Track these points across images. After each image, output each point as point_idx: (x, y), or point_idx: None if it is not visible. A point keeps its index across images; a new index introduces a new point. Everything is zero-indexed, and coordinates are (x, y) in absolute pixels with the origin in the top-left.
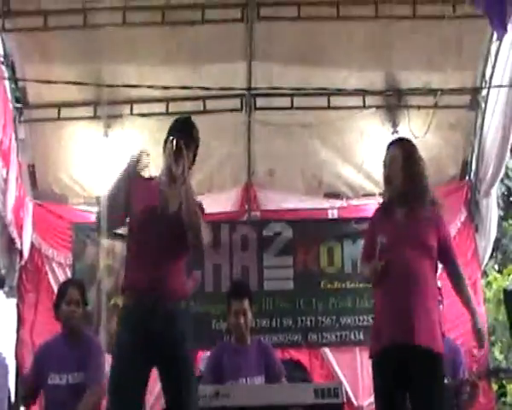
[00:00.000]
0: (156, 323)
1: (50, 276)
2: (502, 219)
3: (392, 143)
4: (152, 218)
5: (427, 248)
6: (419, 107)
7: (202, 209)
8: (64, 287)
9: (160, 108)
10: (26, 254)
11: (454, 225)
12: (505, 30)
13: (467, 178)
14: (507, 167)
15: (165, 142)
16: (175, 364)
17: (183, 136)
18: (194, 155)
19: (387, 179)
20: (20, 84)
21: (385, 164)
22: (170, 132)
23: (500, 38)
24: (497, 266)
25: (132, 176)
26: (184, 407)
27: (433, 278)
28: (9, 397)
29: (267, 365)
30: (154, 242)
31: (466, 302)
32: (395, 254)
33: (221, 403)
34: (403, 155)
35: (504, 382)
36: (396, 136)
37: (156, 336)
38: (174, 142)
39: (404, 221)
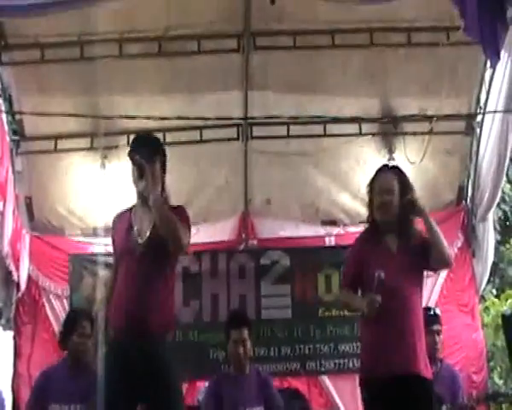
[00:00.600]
0: (137, 361)
1: (47, 308)
2: (499, 243)
3: (386, 170)
4: (127, 252)
5: (418, 278)
6: (415, 133)
7: (185, 212)
8: (75, 318)
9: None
10: (22, 286)
11: (451, 251)
12: (498, 57)
13: (463, 203)
14: (503, 192)
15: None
16: (159, 400)
17: (140, 151)
18: (163, 164)
19: (382, 206)
20: (17, 116)
21: (380, 190)
22: (128, 153)
23: (494, 66)
24: (494, 291)
25: None
26: None
27: (421, 305)
28: None
29: (266, 396)
30: (132, 276)
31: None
32: (389, 284)
33: None
34: (400, 182)
35: (503, 406)
36: (392, 162)
37: (138, 373)
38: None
39: (395, 251)
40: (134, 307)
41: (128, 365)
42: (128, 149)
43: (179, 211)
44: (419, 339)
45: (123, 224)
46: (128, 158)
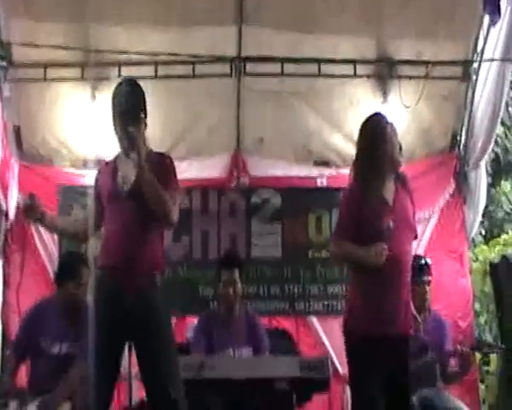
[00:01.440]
0: (127, 298)
1: (36, 238)
2: (490, 185)
3: (380, 118)
4: (114, 198)
5: (413, 228)
6: (410, 77)
7: (172, 165)
8: (72, 264)
9: (149, 71)
10: (11, 215)
11: (442, 198)
12: (499, 15)
13: (456, 150)
14: (496, 134)
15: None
16: (149, 338)
17: (128, 116)
18: (145, 113)
19: (386, 153)
20: (5, 41)
21: (382, 138)
22: (117, 110)
23: (494, 23)
24: (483, 231)
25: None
26: (164, 381)
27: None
28: None
29: (255, 337)
30: (120, 219)
31: None
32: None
33: (206, 375)
34: (395, 130)
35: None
36: (387, 105)
37: (128, 311)
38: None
39: (393, 200)
40: (123, 249)
41: (117, 304)
42: (114, 103)
43: (167, 170)
44: (409, 294)
45: (108, 171)
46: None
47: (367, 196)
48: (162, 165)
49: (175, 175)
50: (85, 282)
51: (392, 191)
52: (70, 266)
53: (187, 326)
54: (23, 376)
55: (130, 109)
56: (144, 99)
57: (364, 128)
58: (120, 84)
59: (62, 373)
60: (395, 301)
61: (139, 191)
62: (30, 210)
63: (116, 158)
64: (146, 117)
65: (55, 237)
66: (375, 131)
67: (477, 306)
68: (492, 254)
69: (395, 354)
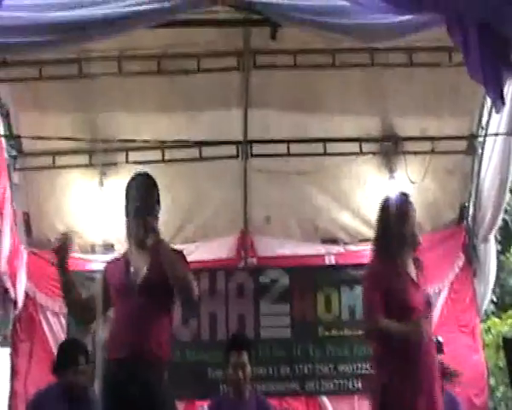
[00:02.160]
0: (134, 390)
1: (45, 325)
2: (499, 253)
3: (402, 196)
4: (125, 291)
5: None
6: (416, 152)
7: (185, 259)
8: (70, 351)
9: (156, 155)
10: (20, 303)
11: (452, 271)
12: (503, 102)
13: (464, 222)
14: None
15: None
16: None
17: (147, 210)
18: (158, 202)
19: (409, 231)
20: (15, 132)
21: (401, 218)
22: (132, 204)
23: (498, 110)
24: (495, 298)
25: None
26: None
27: None
28: None
29: None
30: (130, 312)
31: None
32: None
33: None
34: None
35: None
36: (393, 181)
37: (134, 402)
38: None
39: (416, 277)
40: (131, 342)
41: (124, 396)
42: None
43: (181, 257)
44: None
45: (118, 267)
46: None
47: (393, 273)
48: (177, 254)
49: (188, 265)
50: (83, 369)
51: (414, 269)
52: (68, 354)
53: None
54: None
55: (145, 203)
56: (158, 192)
57: (387, 206)
58: (133, 178)
59: None
60: (428, 384)
61: (151, 284)
62: (61, 248)
63: (126, 253)
64: (159, 208)
65: (64, 323)
66: (399, 209)
67: (492, 380)
68: (505, 327)
69: None
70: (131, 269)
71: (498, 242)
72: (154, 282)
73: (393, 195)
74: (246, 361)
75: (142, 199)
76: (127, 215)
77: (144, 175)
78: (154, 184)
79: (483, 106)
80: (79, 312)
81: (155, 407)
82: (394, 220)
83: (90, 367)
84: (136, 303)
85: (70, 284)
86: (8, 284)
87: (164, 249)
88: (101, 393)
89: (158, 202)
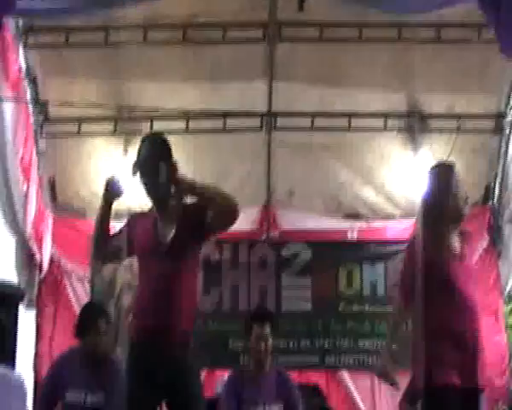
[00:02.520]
0: (160, 361)
1: (69, 290)
2: None
3: (444, 165)
4: (152, 253)
5: (477, 281)
6: (441, 130)
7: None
8: (90, 315)
9: (180, 125)
10: (45, 267)
11: (476, 252)
12: None
13: (490, 203)
14: None
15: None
16: (182, 399)
17: (158, 159)
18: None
19: (447, 206)
20: (42, 98)
21: (447, 185)
22: (143, 165)
23: None
24: None
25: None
26: None
27: None
28: None
29: (285, 394)
30: (156, 276)
31: None
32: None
33: None
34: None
35: None
36: (417, 159)
37: (160, 373)
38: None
39: (459, 250)
40: (158, 308)
41: (151, 364)
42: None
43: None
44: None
45: (144, 224)
46: None
47: (433, 246)
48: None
49: None
50: (103, 332)
51: (459, 241)
52: (88, 318)
53: (216, 379)
54: None
55: (157, 164)
56: (171, 152)
57: (429, 176)
58: (144, 139)
59: None
60: (469, 351)
61: (178, 245)
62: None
63: (150, 212)
64: (173, 165)
65: (88, 288)
66: (443, 181)
67: None
68: None
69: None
70: (159, 229)
71: None
72: (181, 243)
73: (438, 165)
74: (268, 334)
75: (155, 159)
76: (142, 178)
77: (155, 136)
78: (166, 144)
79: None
80: (102, 246)
81: (183, 376)
82: (435, 191)
83: (111, 332)
84: (163, 266)
85: (106, 217)
86: (34, 249)
87: (191, 181)
88: (126, 360)
89: (172, 159)
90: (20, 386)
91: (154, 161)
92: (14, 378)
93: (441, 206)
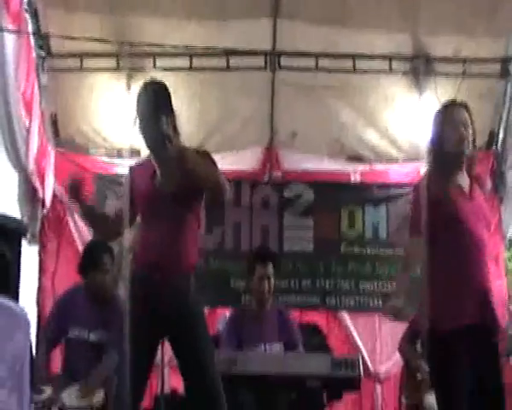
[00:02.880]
0: (164, 295)
1: (72, 226)
2: None
3: (452, 105)
4: (153, 199)
5: (488, 220)
6: (447, 74)
7: (212, 159)
8: (94, 251)
9: (184, 62)
10: (47, 203)
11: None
12: None
13: (493, 148)
14: None
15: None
16: (186, 335)
17: (158, 118)
18: (172, 110)
19: (456, 142)
20: (43, 32)
21: (452, 125)
22: (141, 114)
23: None
24: None
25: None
26: (202, 366)
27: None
28: (31, 352)
29: (286, 332)
30: (158, 219)
31: None
32: (467, 232)
33: (238, 370)
34: (470, 118)
35: None
36: (422, 102)
37: (164, 308)
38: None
39: (468, 190)
40: (162, 249)
41: (153, 301)
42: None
43: (208, 158)
44: (489, 283)
45: (145, 172)
46: None
47: (439, 185)
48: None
49: (216, 165)
50: (107, 269)
51: (468, 180)
52: (93, 255)
53: (218, 318)
54: (58, 362)
55: (156, 112)
56: (170, 99)
57: (436, 116)
58: (143, 87)
59: (93, 360)
60: (473, 290)
61: (178, 192)
62: (74, 190)
63: (150, 159)
64: (172, 116)
65: None
66: (444, 120)
67: None
68: None
69: (479, 346)
70: (158, 177)
71: None
72: (180, 190)
73: (447, 104)
74: (271, 273)
75: (153, 108)
76: (141, 126)
77: (155, 84)
78: (165, 93)
79: None
80: (104, 228)
81: (186, 312)
82: (441, 131)
83: (114, 269)
84: (164, 211)
85: (89, 211)
86: (37, 184)
87: (189, 155)
88: (132, 298)
89: (171, 109)
90: (23, 319)
91: (153, 113)
92: (18, 311)
93: (446, 145)
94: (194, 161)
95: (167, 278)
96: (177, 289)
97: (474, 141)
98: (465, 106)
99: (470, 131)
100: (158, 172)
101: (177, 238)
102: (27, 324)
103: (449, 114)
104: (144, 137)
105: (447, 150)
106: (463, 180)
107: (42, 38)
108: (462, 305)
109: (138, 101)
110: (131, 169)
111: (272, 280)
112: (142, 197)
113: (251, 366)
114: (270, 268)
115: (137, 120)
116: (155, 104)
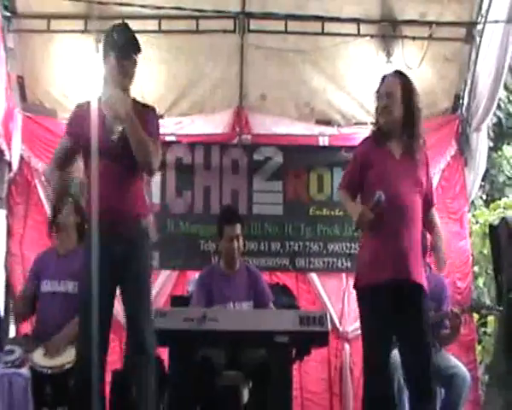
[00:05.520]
0: (114, 243)
1: (40, 189)
2: (491, 149)
3: (389, 74)
4: (100, 145)
5: (420, 185)
6: (414, 37)
7: (157, 118)
8: (57, 198)
9: (153, 25)
10: (15, 166)
11: (444, 159)
12: None
13: (458, 111)
14: (499, 99)
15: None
16: (132, 282)
17: (130, 48)
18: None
19: (385, 109)
20: None
21: (382, 94)
22: (117, 43)
23: None
24: (484, 196)
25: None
26: (138, 317)
27: (420, 213)
28: None
29: (256, 291)
30: (104, 167)
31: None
32: (391, 188)
33: (208, 327)
34: (402, 86)
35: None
36: (390, 66)
37: (115, 256)
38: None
39: (398, 154)
40: (108, 197)
41: (104, 251)
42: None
43: (151, 121)
44: (416, 245)
45: (88, 121)
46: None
47: (373, 150)
48: (146, 115)
49: (158, 128)
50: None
51: (401, 147)
52: (55, 200)
53: (188, 280)
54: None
55: (130, 44)
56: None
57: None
58: (118, 25)
59: (65, 316)
60: (405, 248)
61: (124, 144)
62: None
63: (99, 103)
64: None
65: None
66: (381, 88)
67: (476, 268)
68: (492, 216)
69: (413, 302)
70: (107, 123)
71: (491, 139)
72: (126, 142)
73: (383, 77)
74: (239, 233)
75: (127, 39)
76: (108, 54)
77: (124, 26)
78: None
79: None
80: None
81: (134, 259)
82: (380, 94)
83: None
84: (109, 161)
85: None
86: (3, 146)
87: (134, 126)
88: (86, 249)
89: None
90: None
91: (134, 50)
92: None
93: (377, 111)
94: (136, 130)
95: (114, 226)
96: (125, 237)
97: (413, 104)
98: (400, 74)
99: (397, 99)
100: (107, 116)
101: (122, 187)
102: None
103: (379, 86)
104: (122, 68)
105: (376, 119)
106: (395, 144)
107: None
108: (382, 262)
109: (117, 35)
110: (78, 110)
111: (241, 240)
112: (86, 141)
113: (220, 323)
114: (238, 228)
115: (117, 53)
116: (136, 41)
